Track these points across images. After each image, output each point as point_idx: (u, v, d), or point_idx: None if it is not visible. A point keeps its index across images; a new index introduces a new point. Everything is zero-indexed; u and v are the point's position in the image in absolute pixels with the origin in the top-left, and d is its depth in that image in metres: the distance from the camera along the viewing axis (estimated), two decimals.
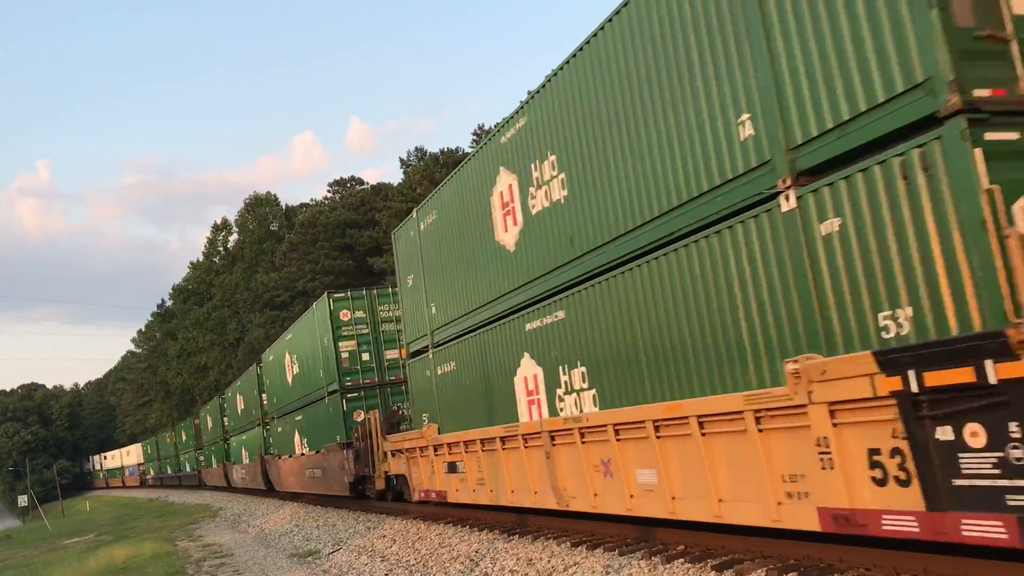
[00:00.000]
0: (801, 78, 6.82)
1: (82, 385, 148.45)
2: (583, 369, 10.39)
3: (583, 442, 10.13)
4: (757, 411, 7.20)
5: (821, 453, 6.53)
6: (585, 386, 10.33)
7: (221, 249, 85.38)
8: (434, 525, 15.60)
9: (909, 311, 5.98)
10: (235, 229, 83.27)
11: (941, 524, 5.66)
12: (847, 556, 7.42)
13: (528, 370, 11.82)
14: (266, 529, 23.66)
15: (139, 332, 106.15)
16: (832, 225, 6.54)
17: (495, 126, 12.48)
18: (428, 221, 15.58)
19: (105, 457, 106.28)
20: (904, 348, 5.78)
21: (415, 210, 16.30)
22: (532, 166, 11.36)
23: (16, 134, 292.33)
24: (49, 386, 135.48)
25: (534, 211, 11.38)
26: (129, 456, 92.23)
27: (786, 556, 8.03)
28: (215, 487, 48.73)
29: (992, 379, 5.13)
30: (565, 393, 10.82)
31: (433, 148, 63.43)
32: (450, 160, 56.72)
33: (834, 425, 6.41)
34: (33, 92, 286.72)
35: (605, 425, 9.55)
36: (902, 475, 5.96)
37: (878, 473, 6.15)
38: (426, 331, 15.98)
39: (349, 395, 21.52)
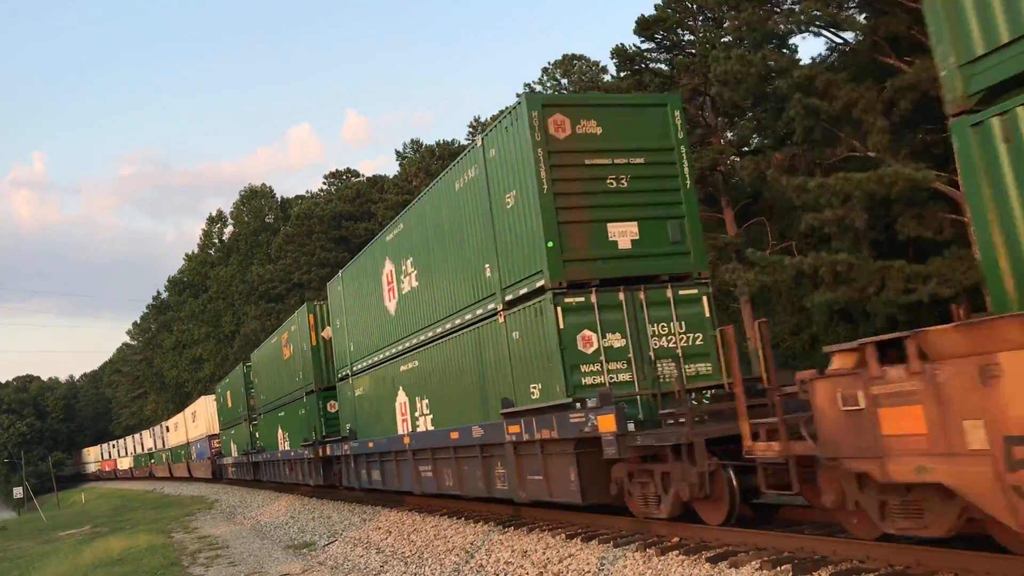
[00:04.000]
0: None
1: (77, 377, 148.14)
2: None
3: None
4: None
5: None
6: None
7: (216, 241, 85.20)
8: (429, 517, 15.62)
9: None
10: (230, 221, 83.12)
11: None
12: (840, 548, 7.45)
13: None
14: (262, 521, 23.67)
15: (134, 324, 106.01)
16: None
17: None
18: None
19: (167, 428, 64.79)
20: None
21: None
22: None
23: (11, 125, 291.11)
24: (44, 378, 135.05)
25: None
26: (195, 423, 51.98)
27: (780, 548, 8.06)
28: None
29: None
30: None
31: (429, 140, 63.35)
32: (446, 152, 56.58)
33: None
34: (28, 83, 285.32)
35: None
36: None
37: None
38: None
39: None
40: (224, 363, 72.40)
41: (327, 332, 22.97)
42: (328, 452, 22.22)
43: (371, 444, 18.42)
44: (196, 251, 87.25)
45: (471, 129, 57.82)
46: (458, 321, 13.97)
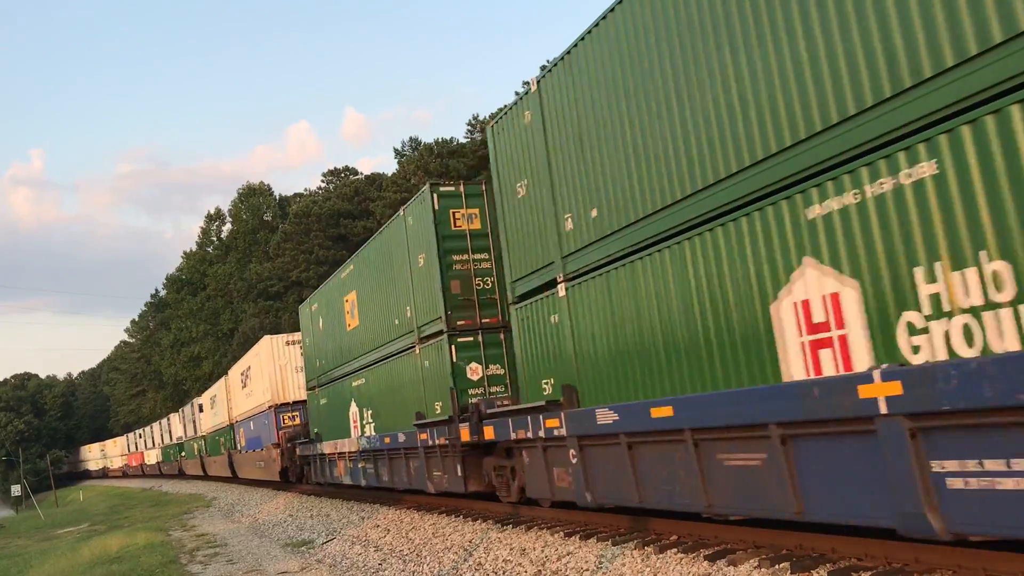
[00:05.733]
0: None
1: (75, 375, 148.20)
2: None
3: None
4: None
5: None
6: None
7: (215, 239, 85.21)
8: (428, 515, 15.63)
9: None
10: (229, 219, 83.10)
11: None
12: (839, 546, 7.45)
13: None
14: (260, 519, 23.66)
15: (132, 322, 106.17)
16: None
17: None
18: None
19: (200, 407, 46.36)
20: None
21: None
22: None
23: (9, 123, 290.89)
24: (42, 376, 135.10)
25: None
26: (248, 390, 31.55)
27: (778, 546, 8.06)
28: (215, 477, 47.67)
29: None
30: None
31: (428, 138, 63.27)
32: (444, 150, 56.56)
33: None
34: (27, 80, 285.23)
35: None
36: None
37: None
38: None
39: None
40: (222, 361, 72.37)
41: None
42: None
43: None
44: (194, 249, 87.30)
45: (469, 127, 57.83)
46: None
